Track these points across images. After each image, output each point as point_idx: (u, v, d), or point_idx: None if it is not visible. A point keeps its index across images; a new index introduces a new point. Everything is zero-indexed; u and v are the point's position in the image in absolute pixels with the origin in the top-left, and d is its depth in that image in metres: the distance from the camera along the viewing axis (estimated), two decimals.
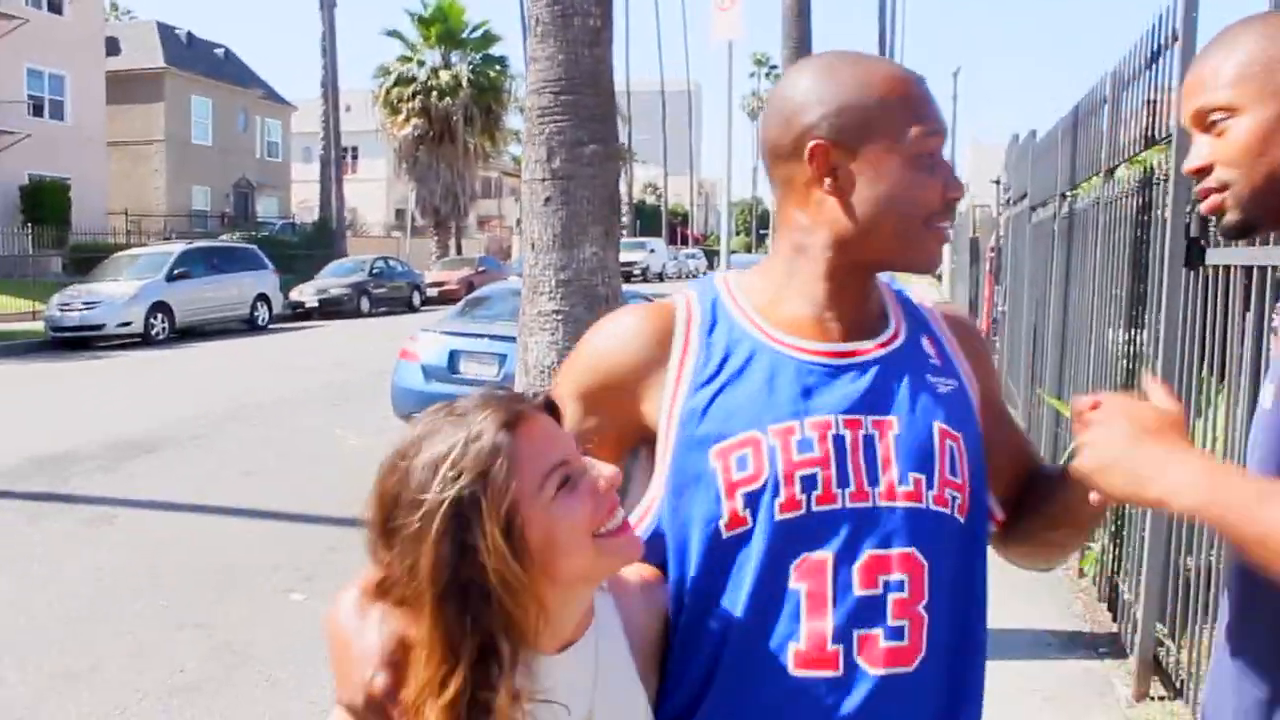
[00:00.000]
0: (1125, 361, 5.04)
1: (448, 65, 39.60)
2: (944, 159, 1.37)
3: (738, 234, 79.93)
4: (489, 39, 39.96)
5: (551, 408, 1.26)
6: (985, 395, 1.50)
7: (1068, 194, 7.09)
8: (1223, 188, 1.38)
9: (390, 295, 28.97)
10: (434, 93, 38.47)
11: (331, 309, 26.49)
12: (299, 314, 26.27)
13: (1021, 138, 10.86)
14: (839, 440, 1.32)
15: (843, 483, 1.31)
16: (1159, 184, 4.46)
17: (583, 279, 4.53)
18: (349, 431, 10.60)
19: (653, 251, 47.19)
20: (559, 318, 4.55)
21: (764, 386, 1.34)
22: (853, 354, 1.38)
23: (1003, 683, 4.35)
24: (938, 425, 1.37)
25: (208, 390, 13.52)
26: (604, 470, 1.23)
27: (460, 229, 43.12)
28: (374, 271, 28.70)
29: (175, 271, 20.81)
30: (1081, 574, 5.52)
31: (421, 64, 39.43)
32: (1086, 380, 5.92)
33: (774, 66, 17.69)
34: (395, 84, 38.97)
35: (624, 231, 64.02)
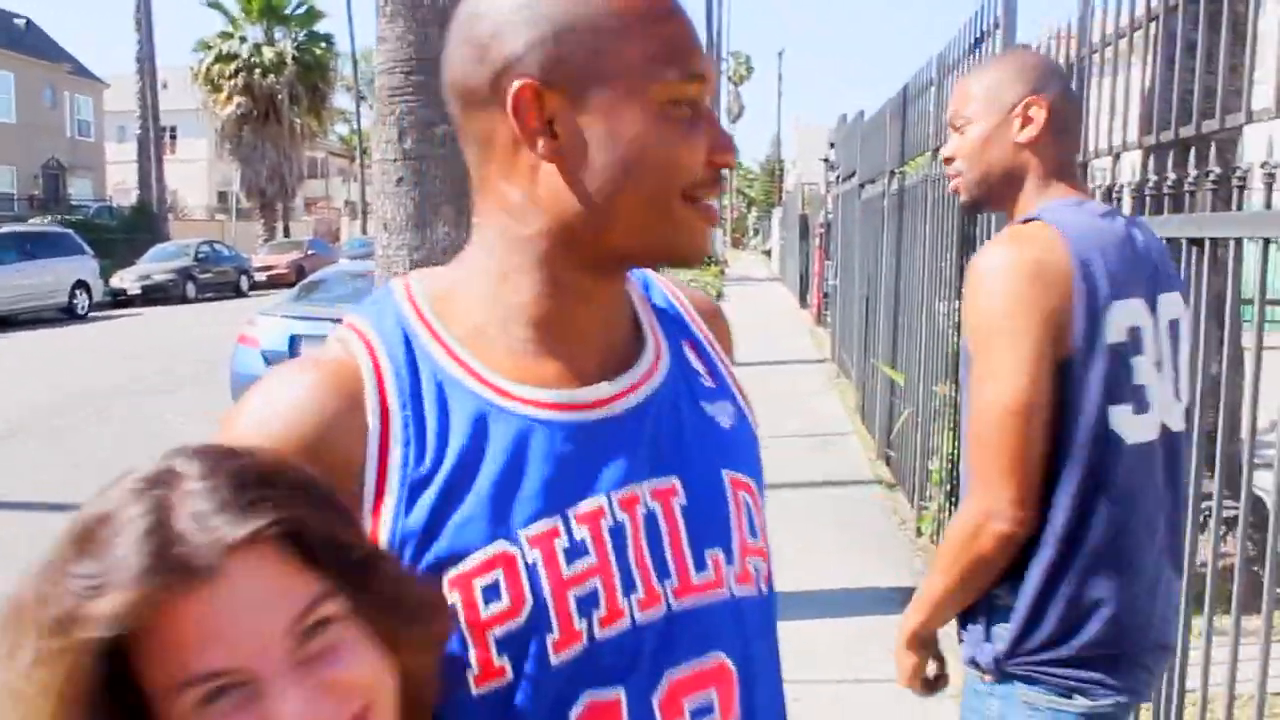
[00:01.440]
0: (954, 331, 5.33)
1: (271, 42, 38.59)
2: (710, 112, 0.98)
3: None
4: (313, 15, 39.12)
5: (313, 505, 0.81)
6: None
7: (897, 171, 7.40)
8: (960, 174, 1.92)
9: (217, 280, 28.06)
10: (257, 70, 37.44)
11: (156, 295, 25.49)
12: (120, 301, 25.21)
13: (850, 118, 11.27)
14: (617, 531, 0.95)
15: (628, 589, 0.94)
16: None
17: (436, 259, 4.54)
18: (184, 418, 10.31)
19: None
20: None
21: (506, 472, 0.93)
22: (614, 398, 0.99)
23: (846, 637, 4.62)
24: (727, 475, 1.04)
25: (27, 381, 12.89)
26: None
27: (288, 211, 42.06)
28: (199, 256, 27.74)
29: None
30: (919, 533, 5.83)
31: (244, 40, 38.29)
32: (919, 349, 6.23)
33: None
34: (216, 60, 37.74)
35: None
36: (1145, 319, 1.73)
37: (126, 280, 25.73)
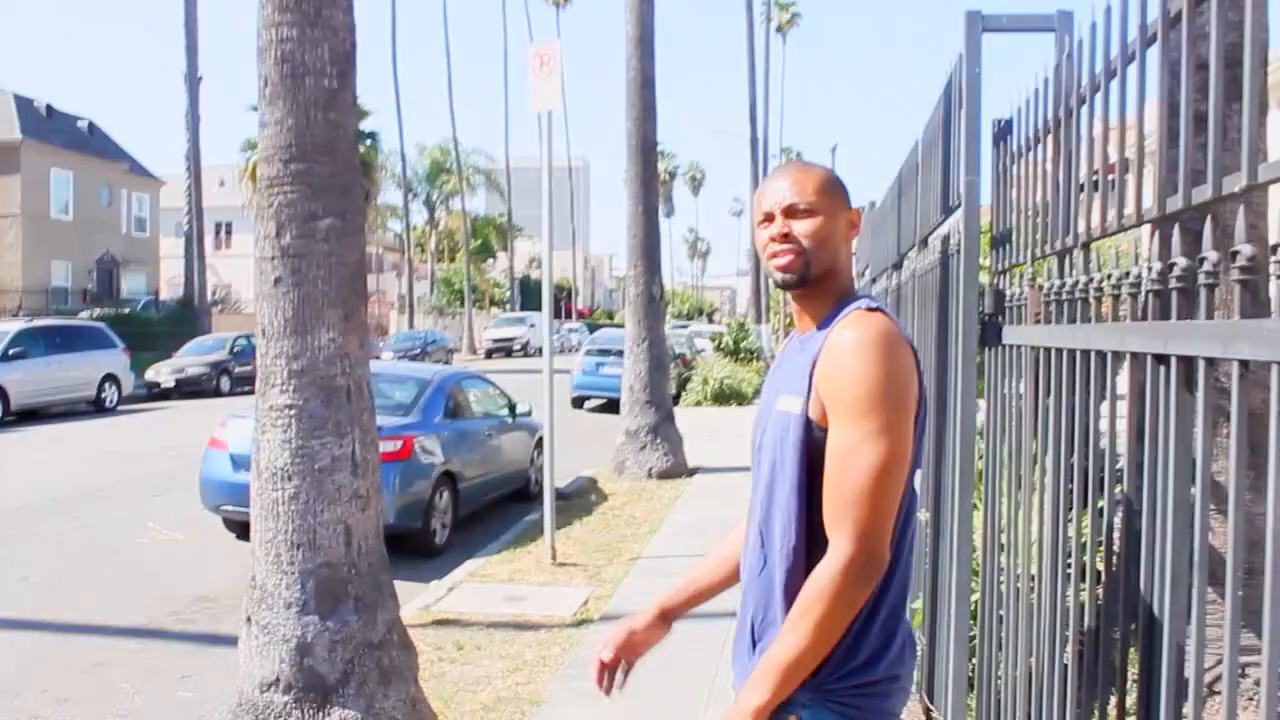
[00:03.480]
0: (933, 446, 4.66)
1: None
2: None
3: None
4: (359, 114, 39.25)
5: None
6: None
7: (900, 265, 6.80)
8: (803, 251, 2.11)
9: (254, 374, 27.76)
10: None
11: (190, 389, 25.34)
12: (155, 395, 25.10)
13: (868, 208, 10.69)
14: None
15: None
16: (954, 255, 4.12)
17: (318, 369, 3.99)
18: (159, 525, 9.81)
19: (533, 326, 46.82)
20: (291, 413, 4.00)
21: None
22: None
23: None
24: None
25: (17, 481, 12.49)
26: None
27: None
28: (235, 350, 27.50)
29: (10, 351, 19.59)
30: None
31: None
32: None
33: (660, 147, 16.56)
34: None
35: (506, 306, 63.74)
36: None
37: (161, 374, 25.65)
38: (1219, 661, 2.47)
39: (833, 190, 2.14)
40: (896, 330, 1.99)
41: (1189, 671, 2.06)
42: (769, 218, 2.15)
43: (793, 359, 2.16)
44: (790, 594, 1.99)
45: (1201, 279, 1.89)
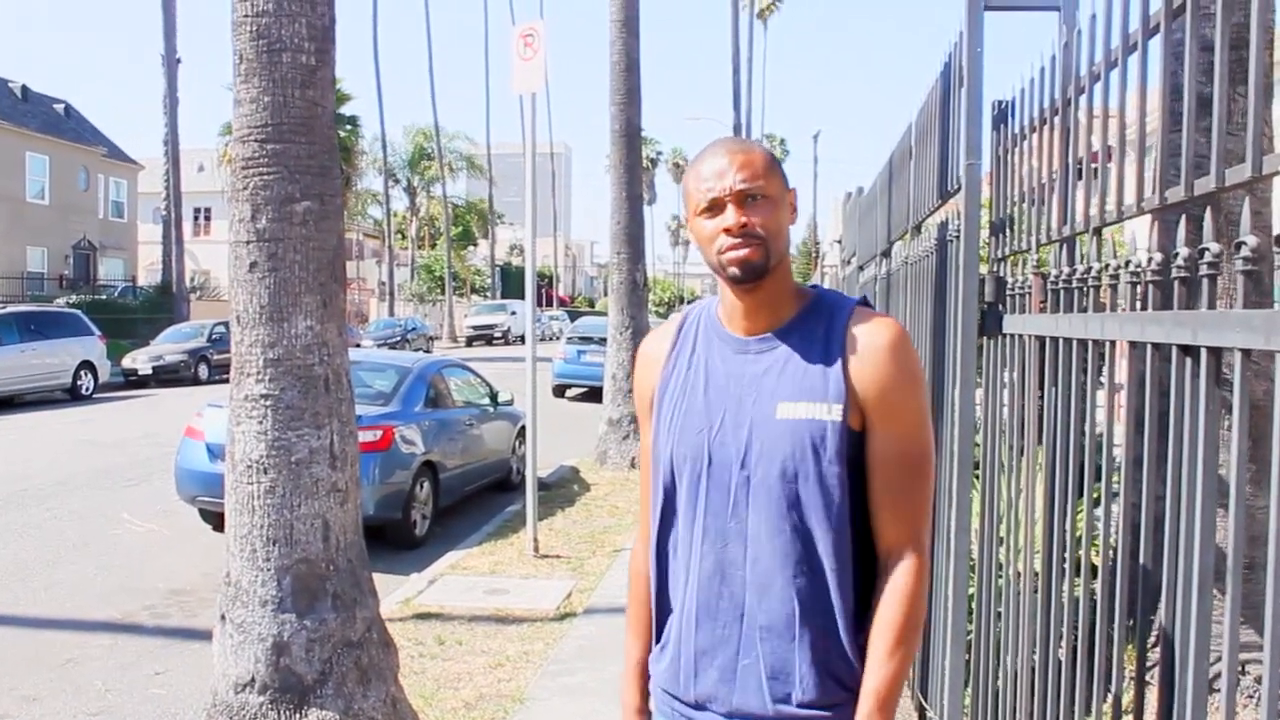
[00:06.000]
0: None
1: None
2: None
3: (607, 295, 79.99)
4: (339, 98, 38.98)
5: None
6: None
7: (889, 252, 6.68)
8: (764, 242, 1.92)
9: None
10: None
11: (168, 376, 25.09)
12: (133, 382, 24.83)
13: (855, 195, 10.58)
14: None
15: None
16: (953, 241, 3.99)
17: (295, 357, 3.84)
18: (134, 516, 9.63)
19: (514, 314, 46.61)
20: (267, 403, 3.84)
21: None
22: None
23: None
24: None
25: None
26: None
27: None
28: (213, 337, 27.17)
29: None
30: None
31: None
32: None
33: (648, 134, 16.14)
34: None
35: (486, 294, 63.43)
36: None
37: (139, 361, 25.35)
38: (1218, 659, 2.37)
39: (779, 171, 1.97)
40: None
41: (1218, 669, 1.97)
42: (716, 206, 1.92)
43: (766, 364, 1.96)
44: (851, 623, 1.87)
45: (1240, 265, 1.77)
